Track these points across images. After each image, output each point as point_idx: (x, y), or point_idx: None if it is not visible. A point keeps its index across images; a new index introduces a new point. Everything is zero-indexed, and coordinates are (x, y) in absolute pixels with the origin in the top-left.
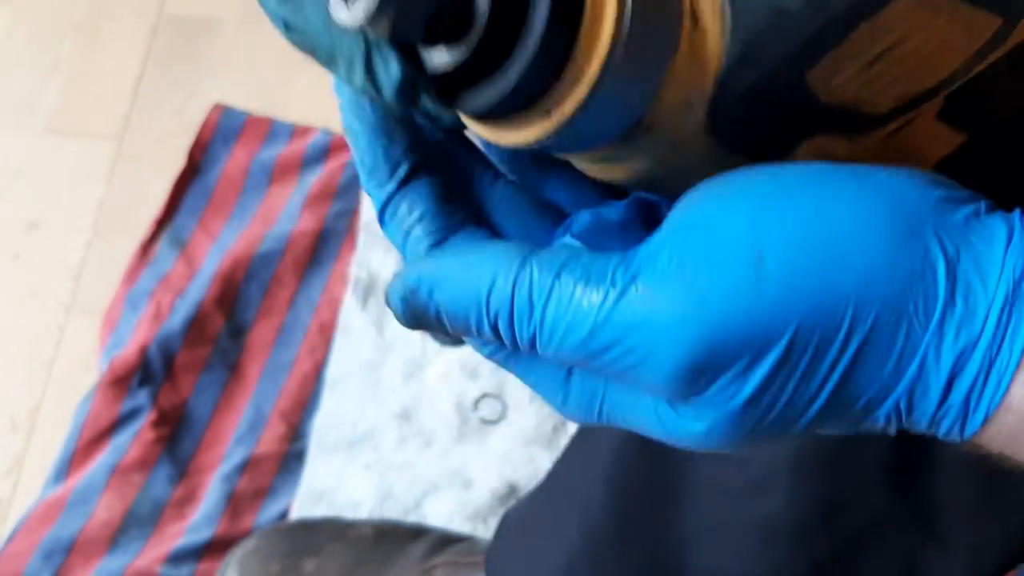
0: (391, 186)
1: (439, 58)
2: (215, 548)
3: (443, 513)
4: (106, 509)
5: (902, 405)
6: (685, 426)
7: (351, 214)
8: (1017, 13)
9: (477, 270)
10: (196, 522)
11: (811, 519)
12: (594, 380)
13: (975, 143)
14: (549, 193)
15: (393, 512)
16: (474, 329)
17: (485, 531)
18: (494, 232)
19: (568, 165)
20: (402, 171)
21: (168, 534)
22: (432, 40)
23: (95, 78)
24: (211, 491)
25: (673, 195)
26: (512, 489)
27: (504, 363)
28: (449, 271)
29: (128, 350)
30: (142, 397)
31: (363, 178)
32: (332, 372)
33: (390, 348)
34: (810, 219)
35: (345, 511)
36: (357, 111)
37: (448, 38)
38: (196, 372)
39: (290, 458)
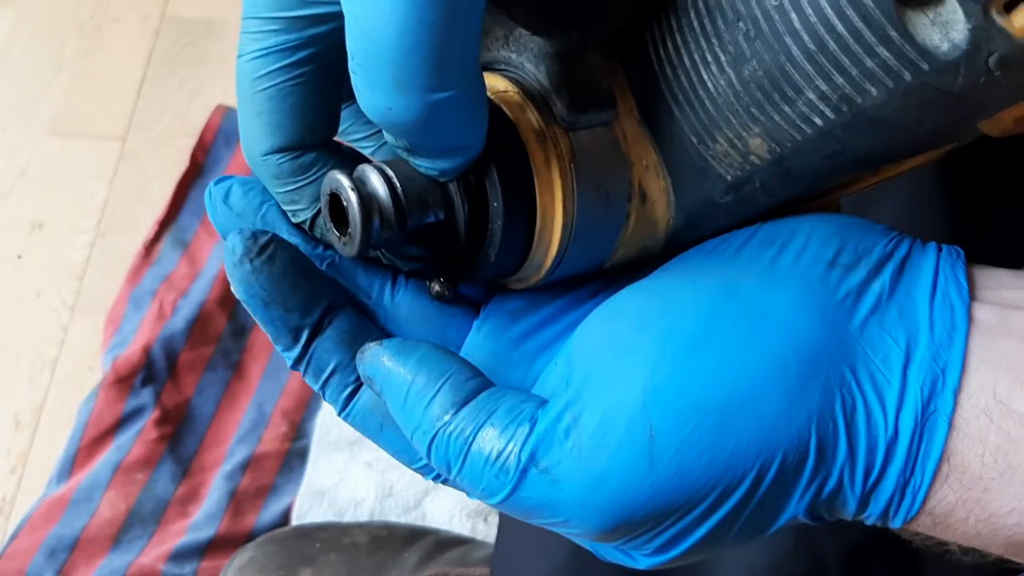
0: (296, 351)
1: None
2: (218, 546)
3: (443, 511)
4: (109, 507)
5: (824, 514)
6: (614, 555)
7: None
8: (969, 131)
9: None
10: (199, 520)
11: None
12: None
13: None
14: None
15: (394, 510)
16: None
17: (485, 528)
18: None
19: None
20: (304, 336)
21: (171, 532)
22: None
23: (98, 79)
24: (214, 489)
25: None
26: None
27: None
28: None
29: (131, 349)
30: (145, 396)
31: (271, 339)
32: None
33: None
34: (701, 384)
35: (346, 509)
36: (248, 288)
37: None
38: (199, 371)
39: (292, 456)
